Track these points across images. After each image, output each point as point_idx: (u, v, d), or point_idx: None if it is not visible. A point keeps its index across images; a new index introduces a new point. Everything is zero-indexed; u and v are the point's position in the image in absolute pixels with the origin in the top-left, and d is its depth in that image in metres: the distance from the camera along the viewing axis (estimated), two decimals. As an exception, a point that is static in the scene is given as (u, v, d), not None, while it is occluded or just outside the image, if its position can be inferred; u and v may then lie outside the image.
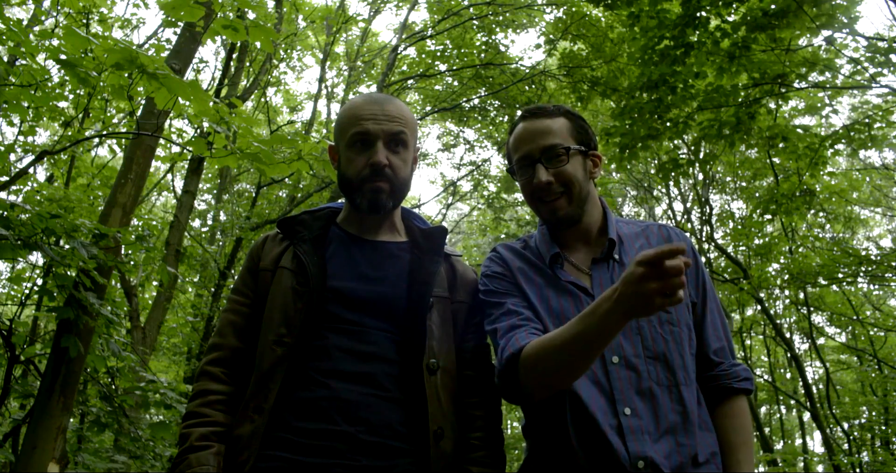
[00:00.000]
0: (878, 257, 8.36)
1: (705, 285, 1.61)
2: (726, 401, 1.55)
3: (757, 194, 11.44)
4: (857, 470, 11.52)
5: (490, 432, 1.56)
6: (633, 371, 1.47)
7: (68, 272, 3.63)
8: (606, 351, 1.47)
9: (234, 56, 9.85)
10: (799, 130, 7.53)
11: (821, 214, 11.39)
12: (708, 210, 12.59)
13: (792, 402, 13.18)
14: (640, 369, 1.47)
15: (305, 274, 1.54)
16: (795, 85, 7.13)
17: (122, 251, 4.32)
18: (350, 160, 1.61)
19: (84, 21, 7.57)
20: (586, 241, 1.64)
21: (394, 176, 1.59)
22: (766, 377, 15.66)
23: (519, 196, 14.35)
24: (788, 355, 11.34)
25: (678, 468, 1.42)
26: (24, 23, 7.27)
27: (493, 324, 1.57)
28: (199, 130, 7.71)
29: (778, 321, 12.68)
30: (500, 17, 11.13)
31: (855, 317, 12.41)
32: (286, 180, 10.80)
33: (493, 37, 11.28)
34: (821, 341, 14.09)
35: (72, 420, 4.54)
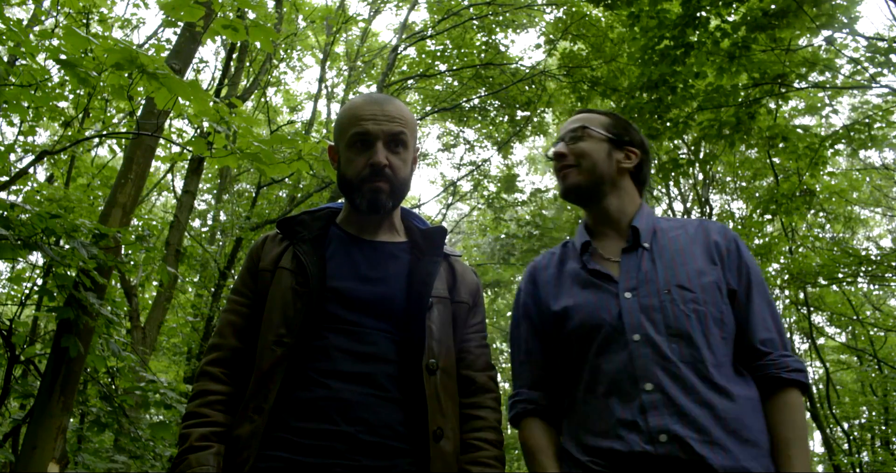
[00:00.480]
0: (878, 257, 8.35)
1: (749, 274, 1.59)
2: (776, 394, 1.49)
3: (757, 194, 11.44)
4: (857, 470, 11.52)
5: (490, 432, 1.56)
6: (654, 348, 1.47)
7: (68, 272, 3.63)
8: (627, 329, 1.50)
9: (234, 56, 9.85)
10: (799, 130, 7.53)
11: (821, 214, 11.39)
12: (708, 210, 12.59)
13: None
14: (661, 345, 1.47)
15: (305, 274, 1.54)
16: (795, 85, 7.13)
17: (122, 251, 4.32)
18: (350, 160, 1.61)
19: (84, 21, 7.57)
20: (617, 231, 1.68)
21: (393, 176, 1.59)
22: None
23: (519, 196, 14.36)
24: (788, 355, 11.32)
25: (710, 445, 1.38)
26: (24, 23, 7.27)
27: (513, 366, 1.73)
28: (199, 130, 7.71)
29: (778, 321, 12.65)
30: (500, 17, 11.13)
31: (855, 317, 12.41)
32: (286, 179, 10.80)
33: (493, 37, 11.28)
34: (821, 341, 14.09)
35: (72, 420, 4.54)
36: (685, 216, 13.34)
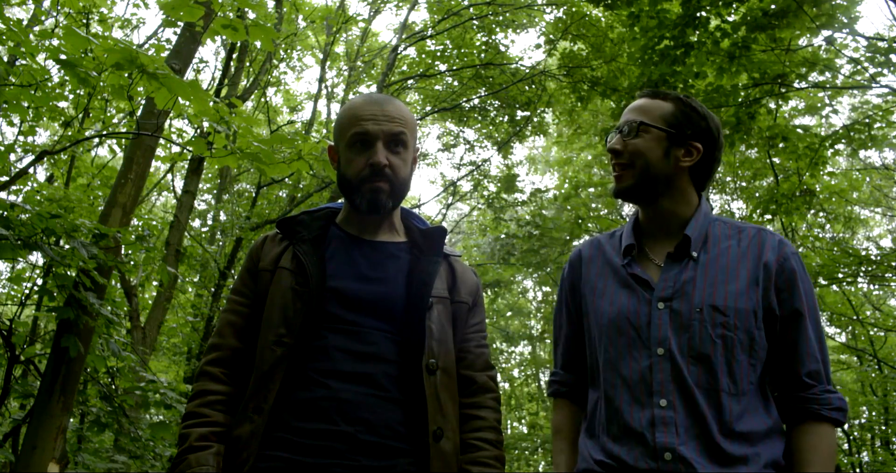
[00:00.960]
0: (878, 257, 8.35)
1: (802, 298, 1.50)
2: (811, 425, 1.44)
3: (757, 194, 11.44)
4: (857, 470, 11.52)
5: (489, 432, 1.56)
6: (675, 366, 1.45)
7: (68, 272, 3.63)
8: (653, 341, 1.48)
9: (234, 56, 9.85)
10: (799, 130, 7.53)
11: (821, 214, 11.38)
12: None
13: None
14: (682, 366, 1.45)
15: (305, 274, 1.54)
16: (795, 85, 7.13)
17: (122, 251, 4.32)
18: (349, 161, 1.61)
19: (84, 21, 7.56)
20: (668, 233, 1.61)
21: (393, 176, 1.59)
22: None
23: (519, 196, 14.35)
24: (788, 355, 11.32)
25: (715, 471, 1.38)
26: (24, 23, 7.27)
27: (553, 345, 1.81)
28: (199, 130, 7.71)
29: (778, 321, 12.65)
30: (500, 17, 11.12)
31: (855, 317, 12.40)
32: (286, 179, 10.80)
33: (493, 37, 11.28)
34: (821, 341, 14.08)
35: (72, 420, 4.54)
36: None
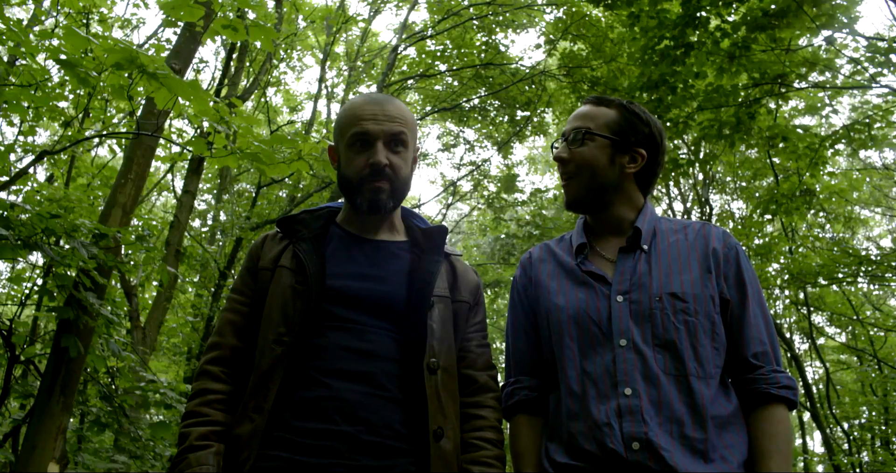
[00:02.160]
0: (878, 257, 8.35)
1: (745, 284, 1.55)
2: (762, 407, 1.47)
3: (757, 194, 11.44)
4: (857, 470, 11.52)
5: (490, 431, 1.56)
6: (639, 356, 1.46)
7: (68, 272, 3.63)
8: (615, 334, 1.49)
9: (234, 56, 9.85)
10: (799, 130, 7.53)
11: (821, 214, 11.38)
12: (708, 210, 12.58)
13: (792, 402, 13.17)
14: (646, 355, 1.46)
15: (304, 273, 1.54)
16: (795, 85, 7.13)
17: (122, 251, 4.32)
18: (350, 160, 1.61)
19: (84, 21, 7.56)
20: (617, 232, 1.64)
21: (394, 176, 1.59)
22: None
23: (519, 196, 14.35)
24: (788, 355, 11.33)
25: (683, 460, 1.38)
26: (24, 23, 7.27)
27: (506, 353, 1.76)
28: (199, 130, 7.71)
29: (778, 321, 12.68)
30: (500, 17, 11.12)
31: (855, 317, 12.40)
32: (286, 179, 10.80)
33: (493, 37, 11.27)
34: (821, 341, 14.08)
35: (72, 420, 4.54)
36: (685, 217, 13.34)
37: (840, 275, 8.40)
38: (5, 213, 3.27)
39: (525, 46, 47.64)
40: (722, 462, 1.40)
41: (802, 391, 11.32)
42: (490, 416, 1.58)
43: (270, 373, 1.46)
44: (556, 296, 1.61)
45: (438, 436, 1.46)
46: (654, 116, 1.70)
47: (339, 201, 1.79)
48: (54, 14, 7.77)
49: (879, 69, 6.27)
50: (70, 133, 6.97)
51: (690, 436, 1.40)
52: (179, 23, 4.97)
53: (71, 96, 6.95)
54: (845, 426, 13.10)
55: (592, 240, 1.68)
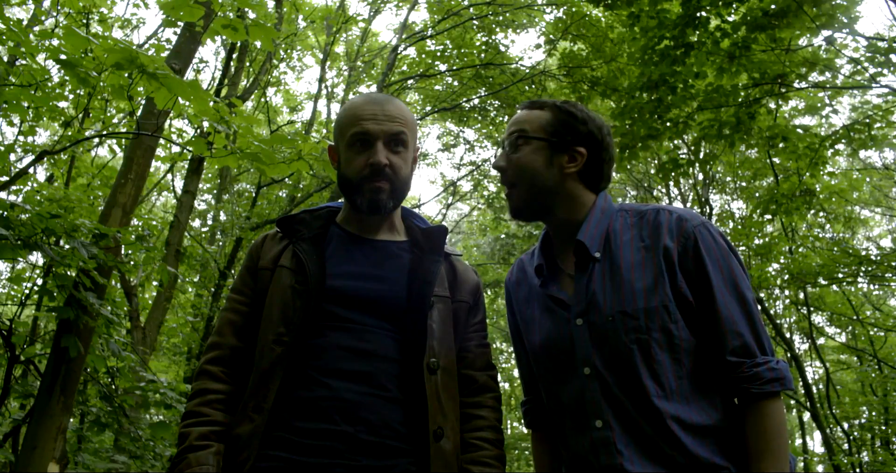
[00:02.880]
0: (878, 257, 8.35)
1: (708, 275, 1.44)
2: (750, 408, 1.40)
3: (757, 194, 11.44)
4: (857, 470, 11.52)
5: (490, 431, 1.56)
6: (602, 383, 1.43)
7: (68, 272, 3.63)
8: (578, 361, 1.47)
9: (234, 56, 9.85)
10: (799, 130, 7.52)
11: (821, 214, 11.39)
12: (708, 210, 12.58)
13: (792, 402, 13.19)
14: (609, 380, 1.43)
15: (304, 273, 1.53)
16: (795, 85, 7.13)
17: (122, 251, 4.32)
18: (350, 160, 1.60)
19: (84, 21, 7.56)
20: (572, 240, 1.56)
21: (394, 176, 1.58)
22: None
23: (519, 196, 14.34)
24: (788, 355, 11.34)
25: None
26: (24, 23, 7.27)
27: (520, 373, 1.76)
28: (199, 130, 7.71)
29: (778, 321, 12.68)
30: (500, 17, 11.12)
31: (855, 317, 12.40)
32: (286, 179, 10.80)
33: (493, 37, 11.27)
34: (821, 341, 14.08)
35: (72, 419, 4.54)
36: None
37: (840, 275, 8.40)
38: (5, 213, 3.27)
39: (525, 46, 47.71)
40: (709, 472, 1.38)
41: (802, 391, 11.32)
42: (489, 416, 1.58)
43: (270, 373, 1.46)
44: (530, 324, 1.61)
45: (438, 436, 1.46)
46: (595, 113, 1.64)
47: (340, 200, 1.79)
48: (54, 14, 7.78)
49: (879, 69, 6.27)
50: (70, 133, 6.97)
51: (668, 454, 1.37)
52: (179, 23, 4.96)
53: (71, 96, 6.95)
54: (845, 426, 13.10)
55: (556, 255, 1.62)
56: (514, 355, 1.77)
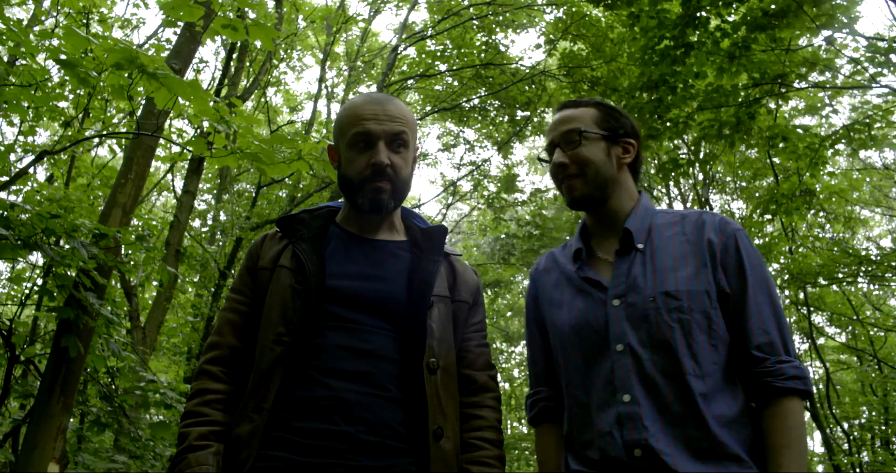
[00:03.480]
0: (878, 257, 8.35)
1: (745, 273, 1.50)
2: (771, 403, 1.42)
3: (757, 194, 11.44)
4: (857, 470, 11.52)
5: (490, 431, 1.56)
6: (636, 360, 1.45)
7: (68, 272, 3.63)
8: (611, 339, 1.49)
9: (234, 56, 9.85)
10: (799, 130, 7.52)
11: (821, 214, 11.38)
12: (708, 210, 12.58)
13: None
14: (643, 357, 1.45)
15: (304, 273, 1.53)
16: (795, 85, 7.13)
17: (122, 251, 4.32)
18: (351, 160, 1.60)
19: (84, 21, 7.56)
20: (615, 231, 1.63)
21: (395, 176, 1.58)
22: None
23: (519, 196, 14.35)
24: (788, 355, 11.30)
25: (685, 462, 1.36)
26: (24, 23, 7.27)
27: (528, 364, 1.78)
28: (199, 130, 7.71)
29: (778, 321, 12.63)
30: (500, 17, 11.12)
31: (855, 317, 12.40)
32: (286, 179, 10.79)
33: (493, 37, 11.27)
34: (821, 341, 14.07)
35: (72, 419, 4.54)
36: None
37: (840, 275, 8.40)
38: (5, 213, 3.27)
39: (525, 46, 47.69)
40: (730, 462, 1.38)
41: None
42: (489, 416, 1.58)
43: (270, 373, 1.46)
44: (559, 307, 1.62)
45: (438, 436, 1.46)
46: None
47: (339, 200, 1.79)
48: (54, 14, 7.77)
49: (879, 69, 6.28)
50: (70, 133, 6.97)
51: (694, 436, 1.38)
52: (179, 23, 4.96)
53: (71, 96, 6.95)
54: (845, 426, 13.10)
55: (592, 242, 1.67)
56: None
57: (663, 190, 13.68)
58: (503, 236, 14.51)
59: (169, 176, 11.66)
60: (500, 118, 12.16)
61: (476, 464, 1.50)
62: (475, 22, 11.15)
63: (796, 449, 1.37)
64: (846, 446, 12.84)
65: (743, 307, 1.49)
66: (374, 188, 1.57)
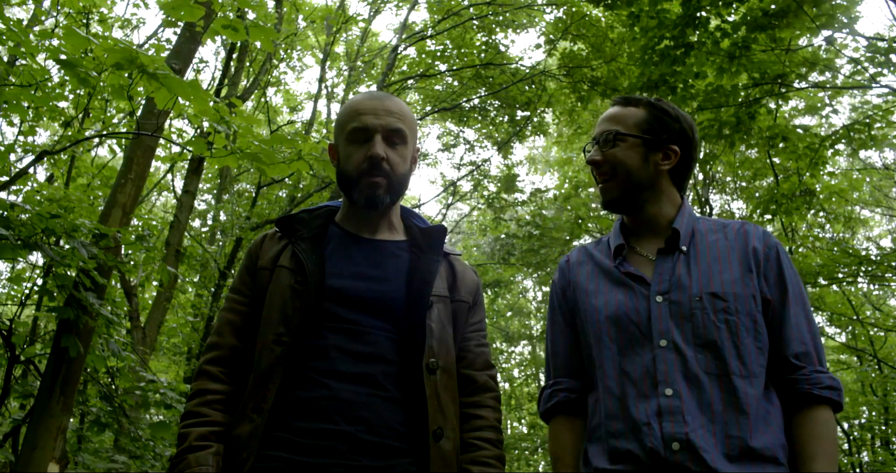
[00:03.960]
0: (878, 257, 8.34)
1: (786, 283, 1.53)
2: (805, 410, 1.43)
3: (757, 194, 11.43)
4: (857, 470, 11.52)
5: (490, 431, 1.56)
6: (680, 356, 1.45)
7: (68, 272, 3.63)
8: (654, 334, 1.48)
9: (234, 56, 9.84)
10: (799, 130, 7.53)
11: (821, 214, 11.38)
12: (708, 210, 12.59)
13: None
14: (687, 355, 1.44)
15: (304, 273, 1.53)
16: (795, 85, 7.13)
17: (122, 251, 4.32)
18: (349, 155, 1.60)
19: (84, 21, 7.56)
20: (655, 232, 1.63)
21: (391, 171, 1.58)
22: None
23: (519, 196, 14.34)
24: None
25: (723, 461, 1.36)
26: (24, 23, 7.27)
27: (546, 355, 1.75)
28: (199, 130, 7.71)
29: (778, 321, 12.64)
30: (500, 17, 11.12)
31: (855, 317, 12.39)
32: (286, 180, 10.79)
33: (493, 37, 11.27)
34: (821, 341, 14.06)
35: (72, 419, 4.54)
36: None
37: (840, 275, 8.39)
38: (5, 213, 3.27)
39: (525, 46, 47.72)
40: (767, 464, 1.38)
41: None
42: (489, 416, 1.58)
43: (270, 373, 1.46)
44: (595, 297, 1.61)
45: (438, 436, 1.45)
46: (685, 112, 1.70)
47: (339, 200, 1.80)
48: (54, 14, 7.77)
49: (879, 69, 6.27)
50: (70, 133, 6.97)
51: (735, 436, 1.38)
52: (179, 23, 4.96)
53: (71, 96, 6.95)
54: (845, 426, 13.10)
55: (631, 240, 1.66)
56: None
57: (663, 190, 13.65)
58: (503, 236, 14.51)
59: (169, 176, 11.66)
60: (500, 118, 12.16)
61: (476, 464, 1.50)
62: (475, 22, 11.15)
63: (830, 457, 1.38)
64: (846, 446, 12.84)
65: (783, 316, 1.51)
66: (369, 183, 1.57)
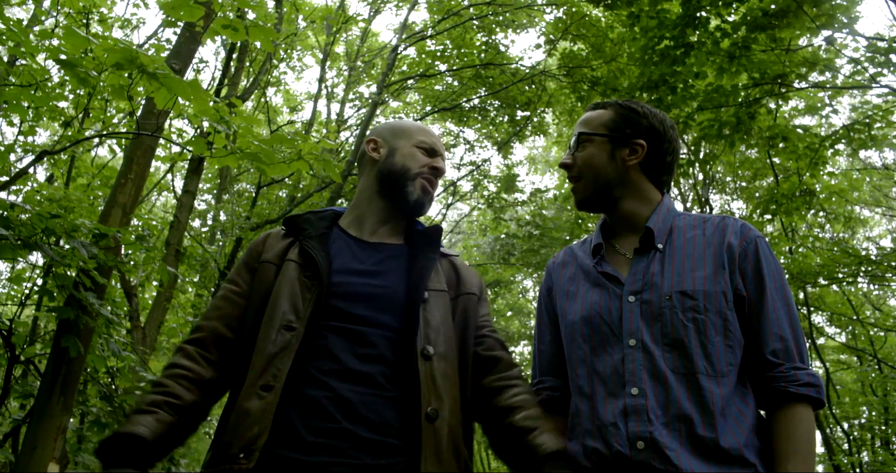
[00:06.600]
0: (878, 257, 8.34)
1: (763, 277, 1.50)
2: (782, 408, 1.41)
3: (757, 194, 11.43)
4: (857, 470, 11.52)
5: (528, 395, 1.61)
6: (648, 355, 1.45)
7: (68, 272, 3.63)
8: (625, 333, 1.49)
9: (234, 56, 9.84)
10: (799, 130, 7.53)
11: (821, 214, 11.38)
12: (708, 210, 12.58)
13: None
14: (655, 354, 1.44)
15: (313, 267, 1.57)
16: (795, 85, 7.13)
17: (122, 251, 4.32)
18: (414, 154, 1.73)
19: (84, 21, 7.56)
20: (633, 230, 1.64)
21: (434, 190, 1.77)
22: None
23: (519, 196, 14.34)
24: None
25: (688, 459, 1.35)
26: (24, 23, 7.27)
27: (533, 355, 1.80)
28: (199, 130, 7.71)
29: (778, 321, 12.62)
30: (500, 17, 11.12)
31: (855, 317, 12.40)
32: (286, 179, 10.80)
33: (493, 37, 11.27)
34: (821, 341, 14.07)
35: (72, 420, 4.54)
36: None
37: (840, 275, 8.40)
38: (5, 213, 3.27)
39: (525, 46, 47.70)
40: (734, 464, 1.37)
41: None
42: (524, 384, 1.63)
43: (279, 354, 1.47)
44: (573, 298, 1.63)
45: (432, 418, 1.45)
46: (659, 110, 1.72)
47: (340, 203, 1.83)
48: (54, 14, 7.77)
49: (879, 69, 6.28)
50: (70, 133, 6.97)
51: (700, 435, 1.37)
52: (179, 23, 4.97)
53: (71, 96, 6.95)
54: (845, 426, 13.11)
55: (612, 239, 1.68)
56: (534, 337, 1.80)
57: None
58: (503, 236, 14.50)
59: (169, 176, 11.66)
60: (500, 118, 12.15)
61: (522, 414, 1.54)
62: (475, 22, 11.15)
63: (804, 456, 1.37)
64: (846, 446, 12.84)
65: (760, 312, 1.49)
66: (429, 181, 1.74)
